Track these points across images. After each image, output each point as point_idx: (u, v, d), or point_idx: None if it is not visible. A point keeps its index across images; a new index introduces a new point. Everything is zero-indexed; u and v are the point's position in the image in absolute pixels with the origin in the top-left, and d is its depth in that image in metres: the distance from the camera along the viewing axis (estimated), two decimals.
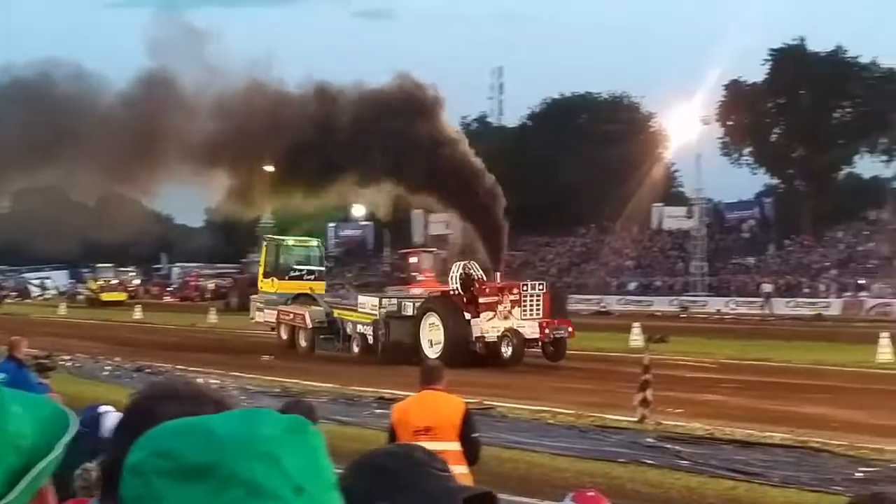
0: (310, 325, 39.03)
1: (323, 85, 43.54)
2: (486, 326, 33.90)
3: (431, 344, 34.06)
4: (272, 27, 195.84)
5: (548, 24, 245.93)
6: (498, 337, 33.37)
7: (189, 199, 60.36)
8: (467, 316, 34.20)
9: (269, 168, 44.05)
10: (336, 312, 38.99)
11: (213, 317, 57.50)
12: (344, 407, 22.83)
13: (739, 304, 73.93)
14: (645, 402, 20.51)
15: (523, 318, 33.74)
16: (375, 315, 36.53)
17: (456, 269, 35.64)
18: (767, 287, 74.00)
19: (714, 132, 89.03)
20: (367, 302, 37.82)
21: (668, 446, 17.72)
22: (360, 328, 37.22)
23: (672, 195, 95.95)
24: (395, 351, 34.28)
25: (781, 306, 70.73)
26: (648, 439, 18.43)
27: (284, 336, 40.36)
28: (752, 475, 15.43)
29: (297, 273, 44.10)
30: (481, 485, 2.25)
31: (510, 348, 32.95)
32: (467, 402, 10.06)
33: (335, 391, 25.68)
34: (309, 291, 41.91)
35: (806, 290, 74.82)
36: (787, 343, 40.29)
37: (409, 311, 35.73)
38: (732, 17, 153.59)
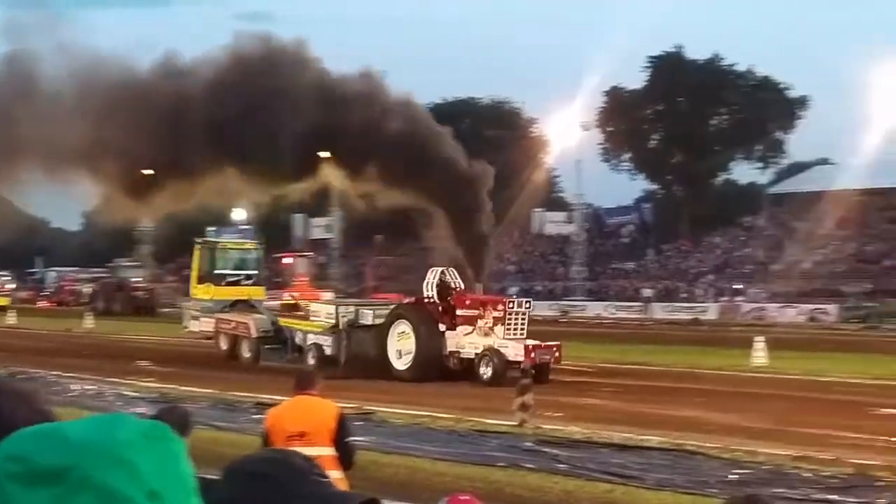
0: (254, 335, 36.46)
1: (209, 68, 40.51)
2: (463, 341, 31.26)
3: (400, 355, 31.64)
4: (149, 28, 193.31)
5: (430, 28, 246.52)
6: (477, 355, 30.61)
7: (65, 201, 58.73)
8: (442, 327, 31.59)
9: (147, 170, 41.76)
10: (283, 321, 36.34)
11: (89, 322, 56.48)
12: (223, 412, 22.59)
13: (619, 309, 74.84)
14: (524, 407, 20.61)
15: (507, 336, 30.65)
16: (332, 323, 33.76)
17: (432, 276, 32.72)
18: (647, 292, 75.05)
19: (594, 138, 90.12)
20: (322, 310, 34.92)
21: (547, 450, 17.82)
22: (313, 338, 34.34)
23: (553, 200, 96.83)
24: (359, 363, 31.94)
25: (659, 311, 71.72)
26: (527, 443, 18.50)
27: (224, 346, 37.71)
28: (628, 478, 15.59)
29: (235, 278, 41.15)
30: (360, 490, 2.23)
31: (490, 369, 29.99)
32: (342, 407, 10.03)
33: (214, 397, 25.39)
34: (247, 298, 39.74)
35: (683, 295, 75.99)
36: (665, 347, 40.84)
37: (368, 320, 33.16)
38: (613, 24, 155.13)
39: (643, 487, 15.11)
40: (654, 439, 18.98)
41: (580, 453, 17.60)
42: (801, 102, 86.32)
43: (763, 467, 16.35)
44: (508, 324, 30.86)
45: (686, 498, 14.46)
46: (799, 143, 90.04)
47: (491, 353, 30.23)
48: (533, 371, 27.93)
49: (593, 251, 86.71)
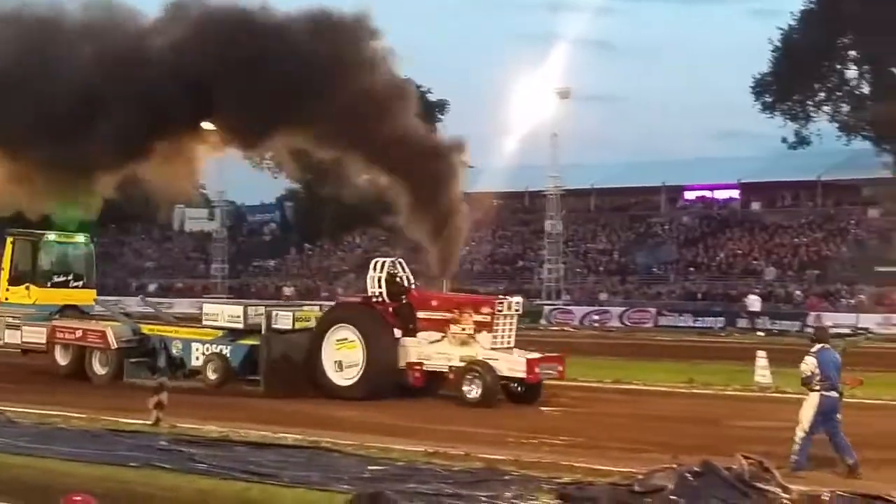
0: (114, 346, 29.53)
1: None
2: (428, 351, 25.93)
3: (341, 367, 26.15)
4: None
5: None
6: (453, 368, 25.38)
7: None
8: (397, 333, 26.28)
9: None
10: (147, 329, 30.32)
11: None
12: None
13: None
14: (160, 405, 20.27)
15: (495, 346, 25.62)
16: (237, 327, 28.03)
17: (378, 269, 27.09)
18: (288, 290, 75.20)
19: None
20: (219, 312, 28.89)
21: (183, 449, 17.54)
22: (209, 348, 28.32)
23: (194, 197, 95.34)
24: (283, 377, 26.60)
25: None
26: (162, 442, 18.19)
27: (64, 361, 30.66)
28: (264, 476, 15.55)
29: (62, 279, 33.41)
30: None
31: (477, 388, 24.80)
32: None
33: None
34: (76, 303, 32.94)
35: (324, 294, 76.58)
36: None
37: (286, 324, 27.30)
38: None
39: (279, 485, 15.11)
40: (290, 437, 19.05)
41: (217, 452, 17.42)
42: (440, 106, 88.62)
43: (397, 463, 16.65)
44: (496, 330, 25.87)
45: (320, 494, 14.54)
46: None
47: (479, 368, 24.97)
48: (520, 388, 25.33)
49: (235, 249, 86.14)
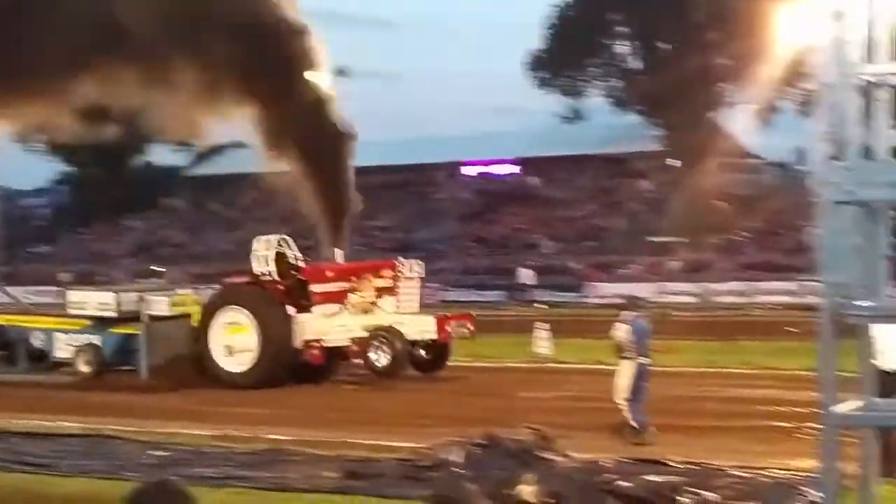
0: None
1: None
2: (326, 325, 24.78)
3: (231, 352, 24.81)
4: None
5: None
6: (356, 340, 24.34)
7: None
8: (291, 311, 25.09)
9: None
10: (4, 319, 28.12)
11: None
12: None
13: (38, 294, 72.32)
14: None
15: (400, 311, 24.73)
16: (110, 315, 26.09)
17: (265, 247, 25.82)
18: (64, 275, 73.10)
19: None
20: (87, 300, 26.77)
21: None
22: (76, 338, 26.49)
23: None
24: (167, 367, 25.06)
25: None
26: None
27: None
28: (40, 466, 15.12)
29: None
30: None
31: (385, 354, 23.94)
32: None
33: None
34: None
35: (103, 278, 74.76)
36: None
37: (162, 310, 25.68)
38: None
39: (58, 475, 14.70)
40: (70, 426, 18.56)
41: None
42: None
43: (181, 448, 16.41)
44: (400, 294, 24.99)
45: (103, 483, 14.20)
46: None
47: (385, 334, 23.96)
48: (427, 355, 24.56)
49: (8, 235, 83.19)
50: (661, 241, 58.75)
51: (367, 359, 24.09)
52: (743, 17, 44.72)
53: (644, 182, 69.28)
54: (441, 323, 24.43)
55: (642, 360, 17.25)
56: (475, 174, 78.54)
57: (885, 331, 12.69)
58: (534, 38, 70.12)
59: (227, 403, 22.23)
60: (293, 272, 25.66)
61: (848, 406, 5.99)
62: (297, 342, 24.82)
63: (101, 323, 26.37)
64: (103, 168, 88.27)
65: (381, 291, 24.89)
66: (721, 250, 57.42)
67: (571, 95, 70.63)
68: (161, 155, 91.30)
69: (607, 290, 49.32)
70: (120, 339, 26.18)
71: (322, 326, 24.78)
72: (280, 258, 25.78)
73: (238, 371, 24.58)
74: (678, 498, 12.31)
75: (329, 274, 25.70)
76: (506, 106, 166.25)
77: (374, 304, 24.70)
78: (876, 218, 5.79)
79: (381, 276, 25.11)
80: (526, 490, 12.72)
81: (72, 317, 26.94)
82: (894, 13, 5.96)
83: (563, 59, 68.62)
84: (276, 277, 25.32)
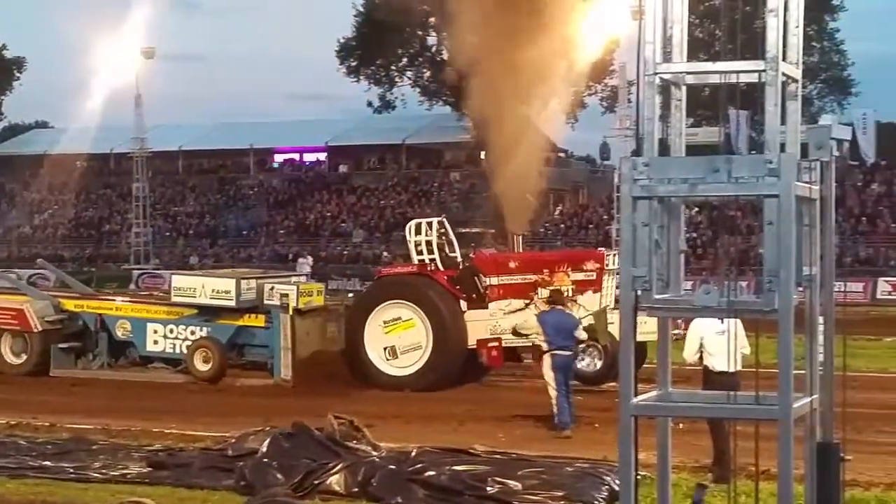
0: (38, 328, 24.07)
1: None
2: (507, 323, 21.13)
3: (395, 353, 21.99)
4: None
5: None
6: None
7: None
8: (463, 306, 22.01)
9: None
10: (74, 305, 24.86)
11: None
12: None
13: None
14: None
15: (610, 307, 20.79)
16: (227, 305, 22.82)
17: (423, 232, 22.84)
18: None
19: None
20: (198, 286, 23.36)
21: None
22: (176, 330, 23.53)
23: None
24: (310, 367, 22.02)
25: None
26: None
27: None
28: None
29: None
30: None
31: (597, 359, 21.20)
32: None
33: None
34: None
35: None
36: None
37: (275, 300, 22.32)
38: None
39: None
40: None
41: None
42: (17, 64, 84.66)
43: None
44: (604, 290, 21.48)
45: None
46: (15, 105, 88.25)
47: (600, 336, 20.52)
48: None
49: None
50: (472, 232, 59.31)
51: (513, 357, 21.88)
52: (551, 12, 45.47)
53: (454, 173, 69.89)
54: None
55: (559, 352, 17.11)
56: (284, 161, 78.17)
57: (712, 336, 13.16)
58: (346, 27, 70.14)
59: (32, 391, 21.55)
60: (461, 260, 22.95)
61: (645, 396, 6.19)
62: (471, 341, 21.95)
63: (203, 313, 23.43)
64: None
65: (584, 285, 21.50)
66: (528, 243, 58.32)
67: (381, 85, 70.77)
68: None
69: None
70: (231, 333, 23.32)
71: (501, 324, 21.51)
72: (443, 244, 22.95)
73: (403, 375, 21.91)
74: (483, 487, 12.50)
75: (511, 264, 22.42)
76: (316, 93, 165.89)
77: (573, 300, 20.73)
78: (672, 213, 5.99)
79: (583, 269, 21.73)
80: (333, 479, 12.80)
81: (174, 305, 23.90)
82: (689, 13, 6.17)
83: (372, 48, 68.68)
84: (440, 266, 22.47)
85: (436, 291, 21.93)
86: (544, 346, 17.27)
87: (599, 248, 24.63)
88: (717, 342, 13.12)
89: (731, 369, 12.81)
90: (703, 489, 4.82)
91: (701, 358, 13.58)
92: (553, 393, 17.15)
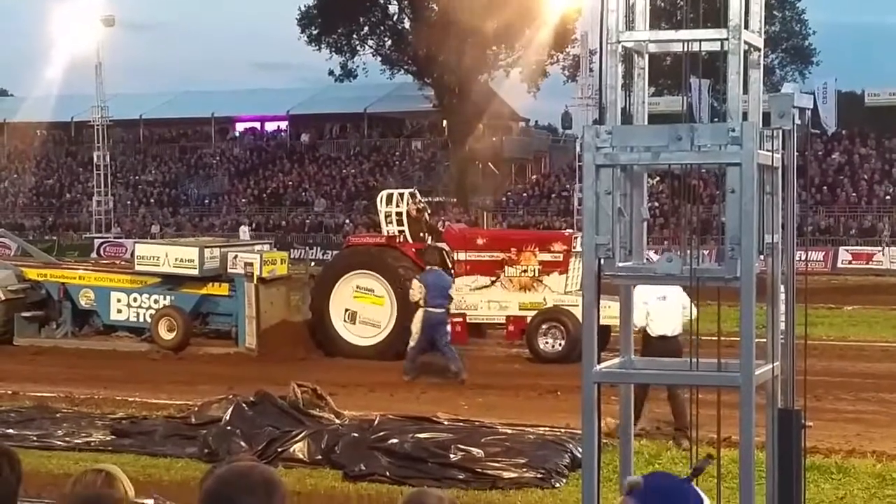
0: (1, 297, 23.73)
1: None
2: (473, 299, 21.35)
3: (354, 320, 21.82)
4: None
5: None
6: (512, 319, 21.35)
7: None
8: None
9: None
10: (36, 274, 24.55)
11: None
12: None
13: None
14: None
15: (569, 291, 20.93)
16: (190, 273, 22.59)
17: (392, 202, 22.65)
18: None
19: None
20: (162, 255, 23.16)
21: None
22: (140, 299, 23.25)
23: None
24: (274, 336, 21.86)
25: None
26: None
27: None
28: None
29: None
30: None
31: (557, 339, 20.80)
32: None
33: None
34: None
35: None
36: None
37: (238, 269, 21.93)
38: None
39: None
40: None
41: None
42: None
43: None
44: (570, 272, 21.13)
45: None
46: None
47: (559, 317, 20.74)
48: None
49: None
50: (436, 201, 59.39)
51: (532, 342, 21.16)
52: None
53: (415, 141, 69.78)
54: None
55: (432, 309, 18.77)
56: (246, 130, 77.81)
57: (654, 301, 13.28)
58: None
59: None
60: (430, 235, 22.74)
61: (607, 364, 6.23)
62: None
63: (166, 281, 23.21)
64: None
65: (550, 267, 21.38)
66: (490, 212, 58.41)
67: (342, 53, 70.42)
68: None
69: None
70: (195, 302, 23.10)
71: (468, 299, 21.35)
72: (414, 217, 22.63)
73: (366, 345, 21.78)
74: (447, 454, 12.56)
75: (480, 241, 22.30)
76: (277, 62, 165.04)
77: (536, 279, 21.25)
78: (635, 181, 6.01)
79: (550, 250, 21.51)
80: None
81: (136, 274, 23.69)
82: None
83: (333, 16, 68.30)
84: (409, 239, 22.24)
85: (402, 264, 21.61)
86: (421, 303, 18.75)
87: (567, 230, 24.16)
88: (659, 308, 13.31)
89: (671, 334, 13.10)
90: (709, 460, 4.85)
91: None
92: (410, 344, 19.02)
